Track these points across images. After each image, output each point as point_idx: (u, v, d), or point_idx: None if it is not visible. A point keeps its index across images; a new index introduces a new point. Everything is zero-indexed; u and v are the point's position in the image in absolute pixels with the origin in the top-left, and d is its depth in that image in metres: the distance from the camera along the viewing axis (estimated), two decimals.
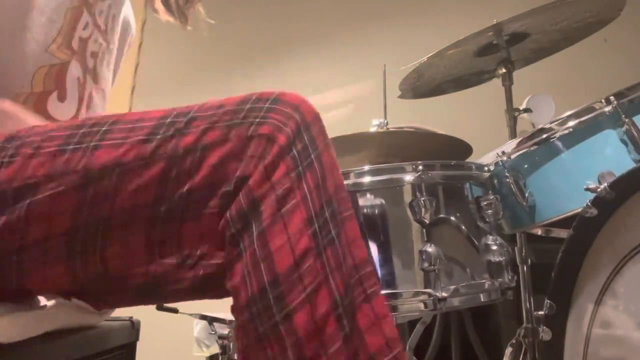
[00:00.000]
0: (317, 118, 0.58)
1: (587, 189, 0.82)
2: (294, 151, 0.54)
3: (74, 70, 0.76)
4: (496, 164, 1.07)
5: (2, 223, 0.54)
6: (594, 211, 0.80)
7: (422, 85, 1.48)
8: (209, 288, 0.61)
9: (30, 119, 0.66)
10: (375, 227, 0.97)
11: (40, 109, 0.73)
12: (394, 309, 0.94)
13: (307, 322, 0.50)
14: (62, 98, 0.76)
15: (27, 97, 0.71)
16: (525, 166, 1.03)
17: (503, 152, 1.05)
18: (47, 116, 0.74)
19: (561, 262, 0.83)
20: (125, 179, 0.54)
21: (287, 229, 0.51)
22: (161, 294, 0.74)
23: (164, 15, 0.93)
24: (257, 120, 0.55)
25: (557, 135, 0.97)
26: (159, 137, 0.55)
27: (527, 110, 1.46)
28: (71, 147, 0.56)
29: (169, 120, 0.57)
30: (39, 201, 0.54)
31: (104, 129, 0.57)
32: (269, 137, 0.54)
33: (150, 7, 0.94)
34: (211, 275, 0.59)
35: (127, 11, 0.92)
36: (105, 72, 0.85)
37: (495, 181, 1.09)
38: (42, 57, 0.72)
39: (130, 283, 0.72)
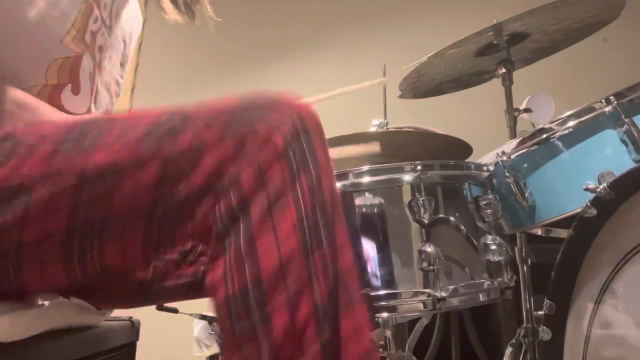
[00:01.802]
0: (315, 120, 0.58)
1: (587, 189, 0.82)
2: (290, 152, 0.53)
3: (86, 63, 0.77)
4: (496, 164, 1.07)
5: None
6: (593, 211, 0.80)
7: (422, 85, 1.48)
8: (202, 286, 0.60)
9: (44, 109, 0.66)
10: (374, 227, 0.97)
11: (54, 101, 0.73)
12: (393, 309, 0.94)
13: (286, 325, 0.49)
14: (76, 91, 0.76)
15: (42, 89, 0.71)
16: (525, 166, 1.03)
17: (503, 152, 1.05)
18: (61, 109, 0.74)
19: (561, 262, 0.83)
20: (121, 179, 0.54)
21: (276, 228, 0.51)
22: (160, 291, 0.74)
23: (172, 14, 0.93)
24: (255, 119, 0.54)
25: (557, 135, 0.97)
26: (154, 136, 0.55)
27: (527, 110, 1.46)
28: (67, 147, 0.55)
29: (165, 119, 0.56)
30: (35, 201, 0.54)
31: (99, 128, 0.57)
32: (265, 137, 0.53)
33: (157, 6, 0.94)
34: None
35: (134, 7, 0.92)
36: (109, 66, 0.85)
37: (495, 181, 1.09)
38: (57, 50, 0.72)
39: (129, 280, 0.72)
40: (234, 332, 0.50)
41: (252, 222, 0.51)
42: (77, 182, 0.54)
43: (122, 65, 0.90)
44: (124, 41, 0.89)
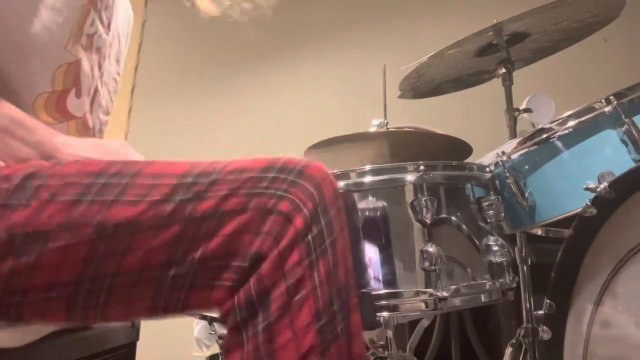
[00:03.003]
0: (336, 197, 0.57)
1: (587, 189, 0.82)
2: (309, 237, 0.53)
3: (86, 66, 0.77)
4: (496, 164, 1.07)
5: (10, 266, 0.53)
6: (593, 211, 0.80)
7: (422, 85, 1.48)
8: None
9: (39, 128, 0.65)
10: (376, 226, 0.97)
11: (60, 106, 0.73)
12: (395, 308, 0.94)
13: None
14: (78, 94, 0.76)
15: (49, 96, 0.71)
16: (525, 166, 1.03)
17: (503, 152, 1.05)
18: (66, 113, 0.74)
19: (561, 262, 0.83)
20: (139, 238, 0.53)
21: (294, 323, 0.50)
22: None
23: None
24: (278, 193, 0.54)
25: (557, 135, 0.97)
26: (178, 198, 0.54)
27: (527, 110, 1.46)
28: (89, 198, 0.54)
29: (190, 180, 0.55)
30: (50, 250, 0.53)
31: (124, 181, 0.55)
32: (287, 216, 0.53)
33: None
34: None
35: (125, 4, 0.92)
36: (108, 66, 0.85)
37: (497, 182, 1.09)
38: (62, 56, 0.72)
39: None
40: None
41: (272, 318, 0.50)
42: (94, 236, 0.53)
43: (118, 61, 0.91)
44: (119, 37, 0.89)
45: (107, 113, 0.87)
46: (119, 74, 0.90)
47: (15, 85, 0.68)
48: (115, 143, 0.67)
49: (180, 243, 0.53)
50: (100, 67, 0.81)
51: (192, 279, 0.53)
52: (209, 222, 0.53)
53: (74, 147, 0.64)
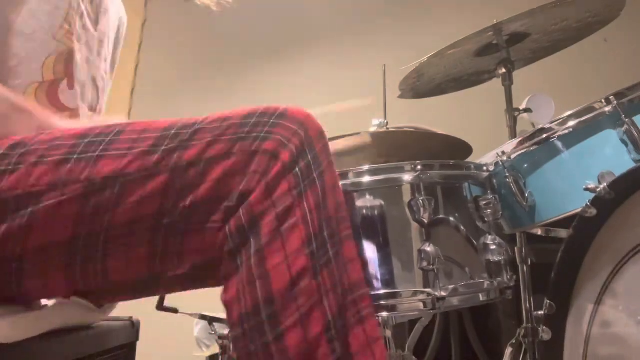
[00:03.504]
0: (321, 135, 0.58)
1: (587, 189, 0.82)
2: (297, 169, 0.54)
3: (78, 57, 0.77)
4: (496, 164, 1.07)
5: (3, 231, 0.54)
6: (593, 211, 0.80)
7: (422, 85, 1.48)
8: (210, 275, 0.59)
9: (39, 113, 0.65)
10: (374, 226, 0.97)
11: (52, 97, 0.73)
12: (393, 308, 0.94)
13: (299, 343, 0.50)
14: (71, 86, 0.76)
15: (39, 86, 0.71)
16: (525, 166, 1.03)
17: (503, 152, 1.05)
18: (59, 104, 0.74)
19: (561, 262, 0.83)
20: (127, 190, 0.54)
21: (285, 247, 0.51)
22: (161, 283, 0.74)
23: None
24: (262, 135, 0.54)
25: (557, 135, 0.97)
26: (162, 148, 0.55)
27: (527, 110, 1.46)
28: (75, 156, 0.55)
29: (173, 131, 0.56)
30: (41, 210, 0.54)
31: (108, 139, 0.57)
32: (272, 153, 0.53)
33: None
34: (212, 261, 0.58)
35: (118, 5, 0.92)
36: (97, 61, 0.85)
37: (494, 181, 1.09)
38: (51, 45, 0.72)
39: (129, 283, 0.72)
40: (248, 352, 0.51)
41: (262, 242, 0.51)
42: (83, 192, 0.54)
43: (106, 60, 0.90)
44: (108, 37, 0.89)
45: (92, 108, 0.86)
46: (106, 73, 0.90)
47: (3, 73, 0.68)
48: (121, 119, 0.68)
49: (169, 192, 0.54)
50: (88, 60, 0.81)
51: (185, 226, 0.54)
52: (196, 169, 0.54)
53: None
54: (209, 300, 0.69)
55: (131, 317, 0.90)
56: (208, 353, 1.89)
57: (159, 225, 0.54)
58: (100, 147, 0.56)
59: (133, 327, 0.90)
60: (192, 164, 0.54)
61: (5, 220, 0.54)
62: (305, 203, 0.53)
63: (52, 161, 0.55)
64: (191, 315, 1.49)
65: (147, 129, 0.57)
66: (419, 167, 0.98)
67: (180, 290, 0.73)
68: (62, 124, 0.65)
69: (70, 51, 0.75)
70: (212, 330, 1.46)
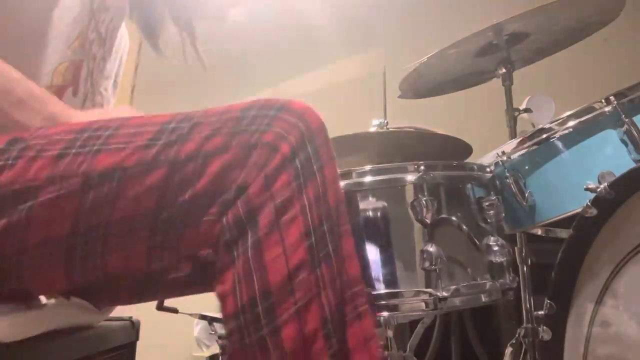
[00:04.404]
0: (322, 128, 0.57)
1: (587, 189, 0.82)
2: (297, 161, 0.53)
3: (85, 69, 0.78)
4: (496, 164, 1.07)
5: (2, 226, 0.53)
6: (593, 211, 0.80)
7: (422, 85, 1.48)
8: (210, 279, 0.59)
9: (53, 103, 0.65)
10: (376, 226, 0.97)
11: None
12: (395, 308, 0.94)
13: (295, 338, 0.49)
14: (75, 93, 0.77)
15: (47, 89, 0.72)
16: (525, 166, 1.03)
17: (503, 152, 1.05)
18: None
19: (561, 262, 0.83)
20: (126, 184, 0.53)
21: (284, 240, 0.51)
22: (160, 285, 0.73)
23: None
24: (261, 128, 0.54)
25: (557, 135, 0.97)
26: (161, 142, 0.54)
27: (527, 110, 1.45)
28: (73, 150, 0.55)
29: (171, 125, 0.56)
30: (40, 204, 0.53)
31: (107, 133, 0.56)
32: (272, 146, 0.53)
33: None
34: (212, 261, 0.57)
35: (123, 30, 0.93)
36: (100, 78, 0.86)
37: (497, 182, 1.09)
38: (65, 54, 0.73)
39: (129, 281, 0.72)
40: (244, 344, 0.50)
41: (260, 234, 0.51)
42: (82, 186, 0.54)
43: (108, 78, 0.91)
44: (114, 57, 0.90)
45: None
46: (106, 90, 0.91)
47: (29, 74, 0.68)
48: (128, 110, 0.68)
49: (168, 187, 0.53)
50: (92, 74, 0.82)
51: (184, 220, 0.54)
52: (194, 164, 0.53)
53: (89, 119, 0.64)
54: (209, 300, 0.69)
55: (131, 317, 0.90)
56: (208, 353, 1.89)
57: (158, 219, 0.54)
58: (99, 141, 0.55)
59: (133, 327, 0.89)
60: (190, 158, 0.53)
61: (4, 215, 0.53)
62: (304, 196, 0.52)
63: (51, 155, 0.55)
64: (191, 315, 1.49)
65: (147, 123, 0.57)
66: (422, 167, 0.98)
67: (179, 295, 0.73)
68: (79, 114, 0.66)
69: (80, 62, 0.76)
70: (212, 330, 1.46)
